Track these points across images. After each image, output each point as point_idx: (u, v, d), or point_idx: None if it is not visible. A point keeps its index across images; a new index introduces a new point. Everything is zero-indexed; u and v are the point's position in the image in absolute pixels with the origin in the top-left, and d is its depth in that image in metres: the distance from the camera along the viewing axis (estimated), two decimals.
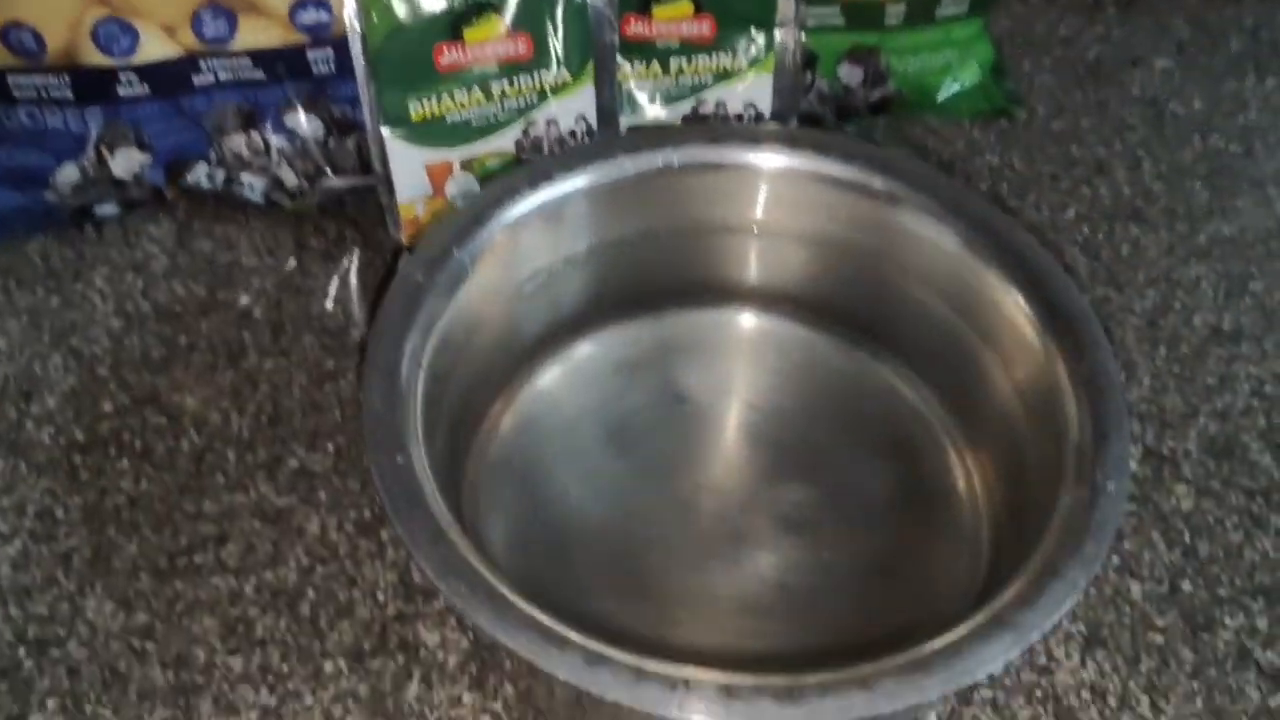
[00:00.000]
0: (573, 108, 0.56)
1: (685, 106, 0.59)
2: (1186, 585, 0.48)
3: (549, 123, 0.56)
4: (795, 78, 0.58)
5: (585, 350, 0.53)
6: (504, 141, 0.55)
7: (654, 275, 0.53)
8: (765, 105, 0.59)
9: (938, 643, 0.34)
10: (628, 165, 0.48)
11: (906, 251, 0.49)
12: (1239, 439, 0.54)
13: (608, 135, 0.53)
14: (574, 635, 0.33)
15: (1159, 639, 0.47)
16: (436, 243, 0.45)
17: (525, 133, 0.55)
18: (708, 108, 0.59)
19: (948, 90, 0.67)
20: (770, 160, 0.49)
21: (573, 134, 0.56)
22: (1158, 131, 0.68)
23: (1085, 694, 0.45)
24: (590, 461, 0.49)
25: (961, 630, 0.34)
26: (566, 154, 0.49)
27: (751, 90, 0.58)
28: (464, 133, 0.54)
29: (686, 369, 0.53)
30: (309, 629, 0.45)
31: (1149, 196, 0.65)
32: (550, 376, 0.52)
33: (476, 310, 0.46)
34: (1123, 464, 0.38)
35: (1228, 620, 0.47)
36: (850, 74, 0.64)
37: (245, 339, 0.55)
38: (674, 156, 0.49)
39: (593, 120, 0.56)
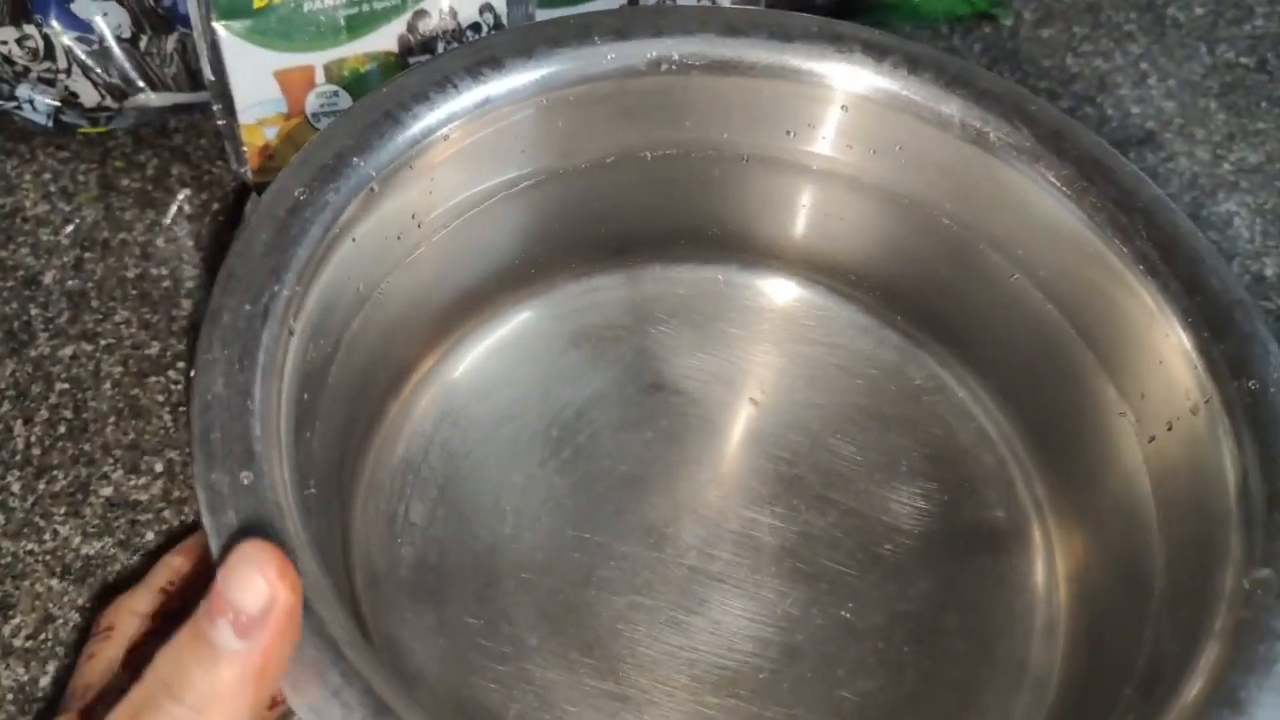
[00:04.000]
0: None
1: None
2: None
3: (445, 12, 0.42)
4: None
5: (532, 315, 0.40)
6: (384, 39, 0.43)
7: (633, 215, 0.39)
8: None
9: None
10: (609, 55, 0.35)
11: (996, 214, 0.36)
12: None
13: (584, 13, 0.38)
14: None
15: None
16: (330, 147, 0.31)
17: (412, 27, 0.43)
18: None
19: None
20: (828, 69, 0.36)
21: (475, 28, 0.43)
22: (1160, 41, 0.59)
23: None
24: (532, 470, 0.37)
25: None
26: (521, 34, 0.35)
27: None
28: (328, 27, 0.42)
29: (671, 345, 0.40)
30: None
31: (1162, 118, 0.55)
32: (481, 350, 0.39)
33: (385, 249, 0.32)
34: None
35: None
36: None
37: (32, 316, 0.42)
38: (676, 48, 0.35)
39: (502, 10, 0.44)
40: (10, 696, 0.33)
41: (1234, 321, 0.30)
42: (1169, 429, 0.31)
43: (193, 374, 0.26)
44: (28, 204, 0.45)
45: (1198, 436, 0.30)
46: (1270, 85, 0.58)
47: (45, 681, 0.34)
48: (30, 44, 0.42)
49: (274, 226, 0.29)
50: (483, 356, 0.38)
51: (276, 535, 0.24)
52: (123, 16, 0.42)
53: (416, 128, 0.32)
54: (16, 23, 0.41)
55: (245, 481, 0.24)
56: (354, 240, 0.31)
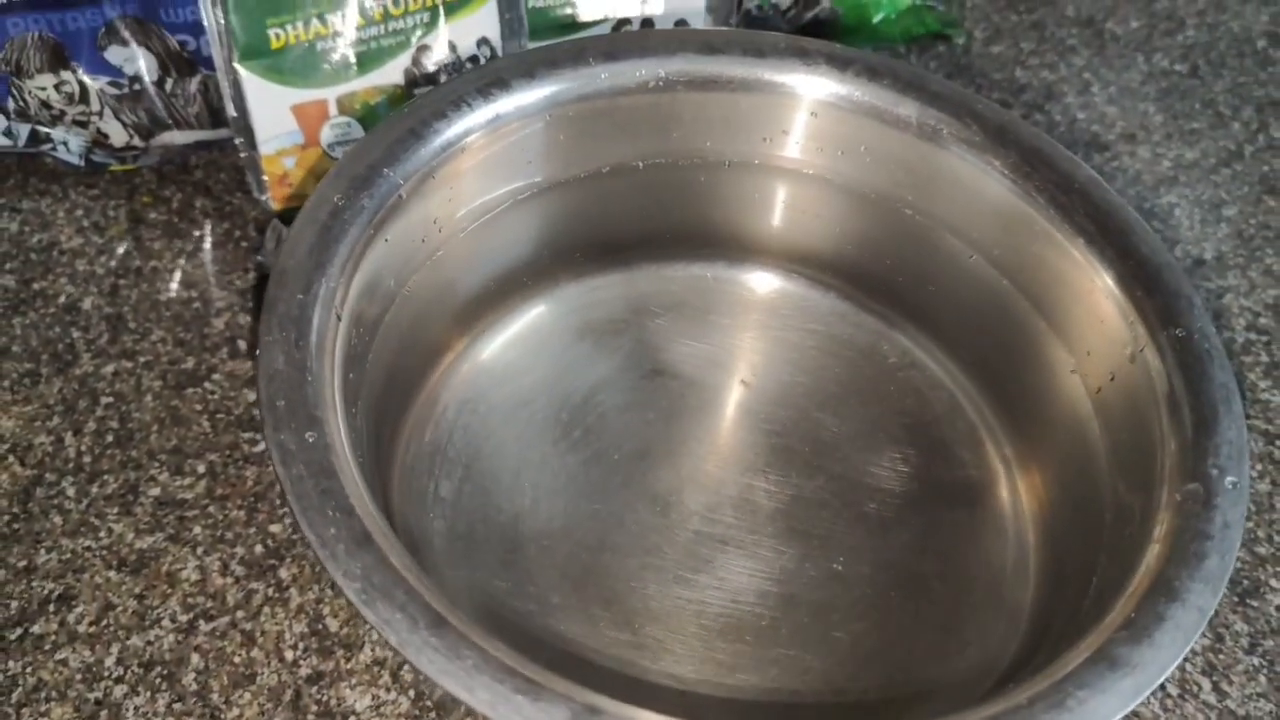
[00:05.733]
0: (472, 29, 0.47)
1: (599, 28, 0.50)
2: None
3: (445, 46, 0.46)
4: None
5: (540, 311, 0.43)
6: (391, 73, 0.46)
7: (628, 219, 0.43)
8: (698, 22, 0.50)
9: (1032, 689, 0.26)
10: (602, 75, 0.39)
11: (952, 203, 0.40)
12: (1245, 377, 0.48)
13: (577, 38, 0.42)
14: (554, 682, 0.25)
15: None
16: (362, 160, 0.35)
17: (417, 61, 0.46)
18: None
19: (882, 11, 0.60)
20: (800, 81, 0.40)
21: (474, 60, 0.47)
22: (1100, 53, 0.64)
23: None
24: (547, 449, 0.40)
25: (1059, 671, 0.27)
26: (523, 57, 0.39)
27: (680, 1, 0.49)
28: (340, 64, 0.45)
29: (668, 336, 0.44)
30: (198, 708, 0.36)
31: (1105, 122, 0.59)
32: (497, 343, 0.42)
33: (412, 249, 0.36)
34: (1239, 450, 0.31)
35: (1274, 581, 0.42)
36: None
37: (75, 339, 0.45)
38: (661, 67, 0.39)
39: (498, 44, 0.47)
40: (79, 676, 0.36)
41: (1162, 280, 0.35)
42: (1112, 379, 0.35)
43: (257, 353, 0.30)
44: (63, 238, 0.48)
45: (1136, 382, 0.34)
46: (1202, 89, 0.63)
47: (110, 661, 0.37)
48: (67, 89, 0.45)
49: (317, 229, 0.33)
50: (499, 349, 0.42)
51: (340, 484, 0.27)
52: (151, 60, 0.46)
53: (437, 141, 0.36)
54: (55, 70, 0.45)
55: (310, 440, 0.28)
56: (386, 240, 0.34)
